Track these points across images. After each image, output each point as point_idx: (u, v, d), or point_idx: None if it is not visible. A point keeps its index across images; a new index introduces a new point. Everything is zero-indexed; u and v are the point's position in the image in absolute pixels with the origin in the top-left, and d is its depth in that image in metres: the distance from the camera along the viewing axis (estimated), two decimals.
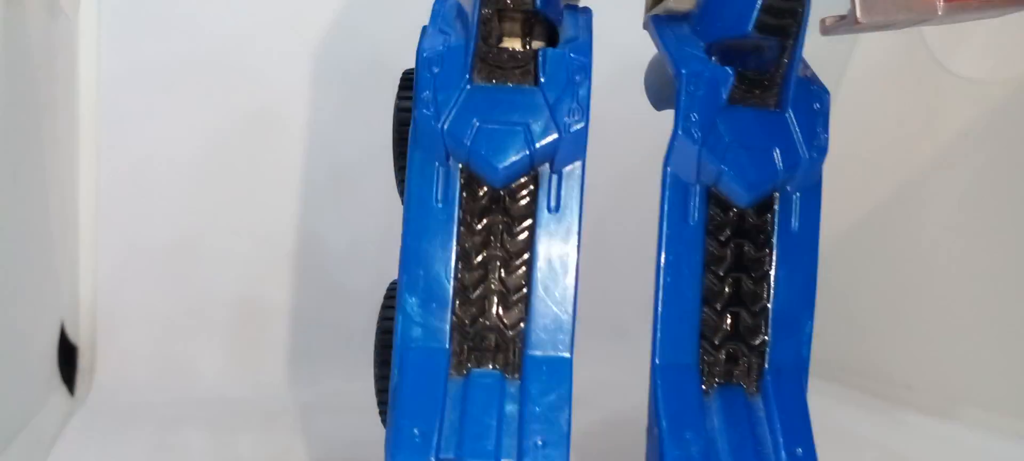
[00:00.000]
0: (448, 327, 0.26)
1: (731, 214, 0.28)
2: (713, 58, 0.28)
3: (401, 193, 0.29)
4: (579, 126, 0.26)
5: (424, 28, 0.28)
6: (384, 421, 0.28)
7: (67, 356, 0.47)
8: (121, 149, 0.49)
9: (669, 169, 0.27)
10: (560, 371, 0.26)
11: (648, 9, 0.31)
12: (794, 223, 0.28)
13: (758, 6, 0.26)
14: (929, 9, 0.27)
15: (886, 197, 0.45)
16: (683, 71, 0.27)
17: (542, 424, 0.25)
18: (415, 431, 0.25)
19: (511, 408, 0.26)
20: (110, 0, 0.49)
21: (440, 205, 0.27)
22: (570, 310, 0.27)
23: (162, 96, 0.50)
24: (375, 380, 0.28)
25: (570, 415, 0.26)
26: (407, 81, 0.28)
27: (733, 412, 0.27)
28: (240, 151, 0.51)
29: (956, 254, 0.47)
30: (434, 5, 0.29)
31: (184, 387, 0.48)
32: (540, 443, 0.25)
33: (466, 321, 0.27)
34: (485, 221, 0.27)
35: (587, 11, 0.29)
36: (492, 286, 0.27)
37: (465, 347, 0.27)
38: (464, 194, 0.27)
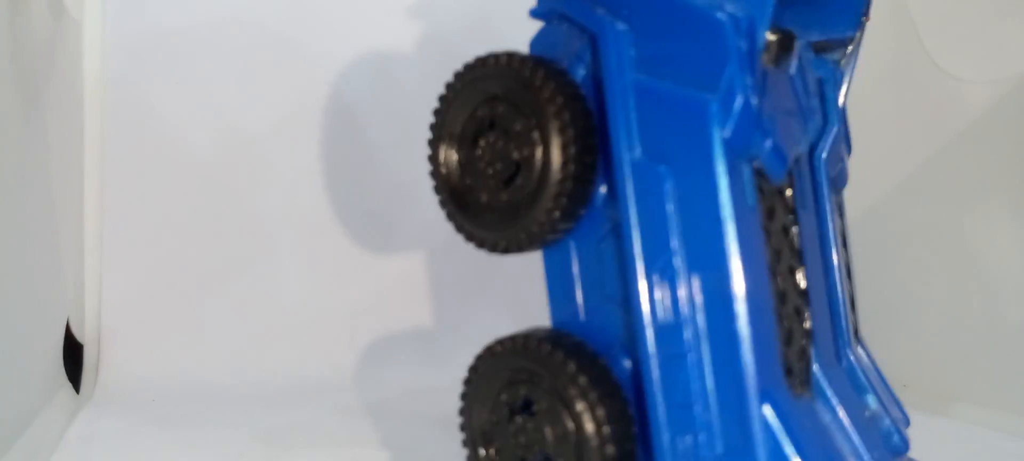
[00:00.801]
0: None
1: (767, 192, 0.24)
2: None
3: None
4: None
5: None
6: None
7: (72, 354, 0.47)
8: (126, 148, 0.49)
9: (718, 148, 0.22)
10: None
11: None
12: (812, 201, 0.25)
13: None
14: None
15: (883, 196, 0.45)
16: (720, 17, 0.22)
17: None
18: None
19: None
20: (114, 0, 0.49)
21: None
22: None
23: (166, 93, 0.50)
24: None
25: None
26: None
27: None
28: (246, 148, 0.51)
29: (952, 253, 0.47)
30: None
31: (188, 384, 0.48)
32: None
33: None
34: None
35: None
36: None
37: None
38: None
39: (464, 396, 0.25)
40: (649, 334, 0.21)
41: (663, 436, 0.21)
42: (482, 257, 0.53)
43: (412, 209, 0.54)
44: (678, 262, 0.21)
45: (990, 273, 0.45)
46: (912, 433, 0.42)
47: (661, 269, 0.21)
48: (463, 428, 0.26)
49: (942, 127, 0.48)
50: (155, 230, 0.50)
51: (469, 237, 0.26)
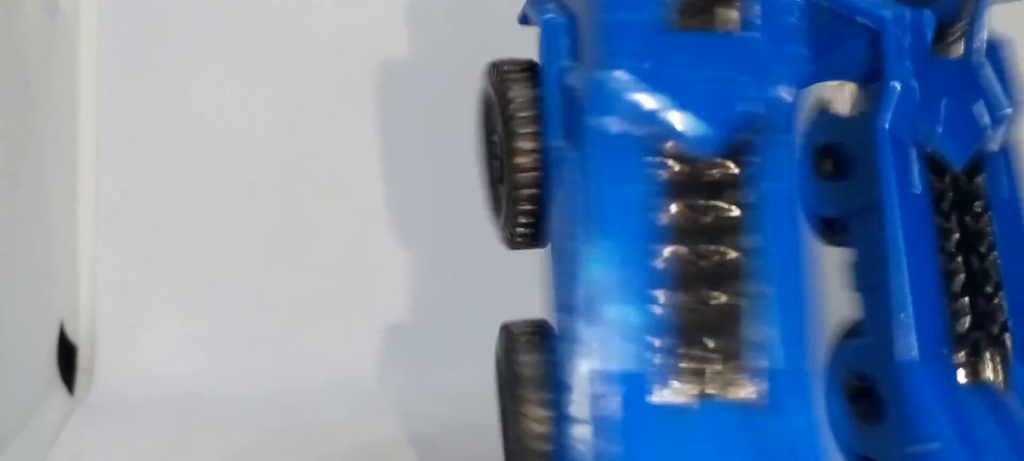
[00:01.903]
0: None
1: (946, 179, 0.24)
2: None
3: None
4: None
5: None
6: None
7: (66, 355, 0.47)
8: (120, 147, 0.49)
9: (883, 133, 0.23)
10: None
11: None
12: (1004, 189, 0.24)
13: None
14: None
15: None
16: (887, 15, 0.23)
17: None
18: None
19: None
20: None
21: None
22: None
23: (162, 93, 0.50)
24: None
25: None
26: None
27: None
28: (242, 148, 0.51)
29: None
30: None
31: (183, 386, 0.48)
32: None
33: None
34: None
35: None
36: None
37: None
38: None
39: None
40: None
41: None
42: (482, 257, 0.53)
43: (412, 209, 0.54)
44: None
45: None
46: None
47: None
48: None
49: None
50: (150, 230, 0.50)
51: (497, 230, 0.27)
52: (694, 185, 0.21)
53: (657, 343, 0.20)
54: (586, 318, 0.20)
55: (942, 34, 0.24)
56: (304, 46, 0.52)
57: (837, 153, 0.26)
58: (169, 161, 0.50)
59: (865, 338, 0.24)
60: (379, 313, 0.53)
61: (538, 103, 0.23)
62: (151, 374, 0.48)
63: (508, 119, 0.23)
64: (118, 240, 0.49)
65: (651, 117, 0.21)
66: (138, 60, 0.49)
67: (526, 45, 0.26)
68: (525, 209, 0.24)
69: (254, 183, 0.52)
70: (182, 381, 0.48)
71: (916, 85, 0.23)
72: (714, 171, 0.21)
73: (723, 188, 0.21)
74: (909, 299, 0.22)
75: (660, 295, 0.20)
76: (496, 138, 0.25)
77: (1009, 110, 0.24)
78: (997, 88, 0.24)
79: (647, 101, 0.21)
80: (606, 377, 0.20)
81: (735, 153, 0.21)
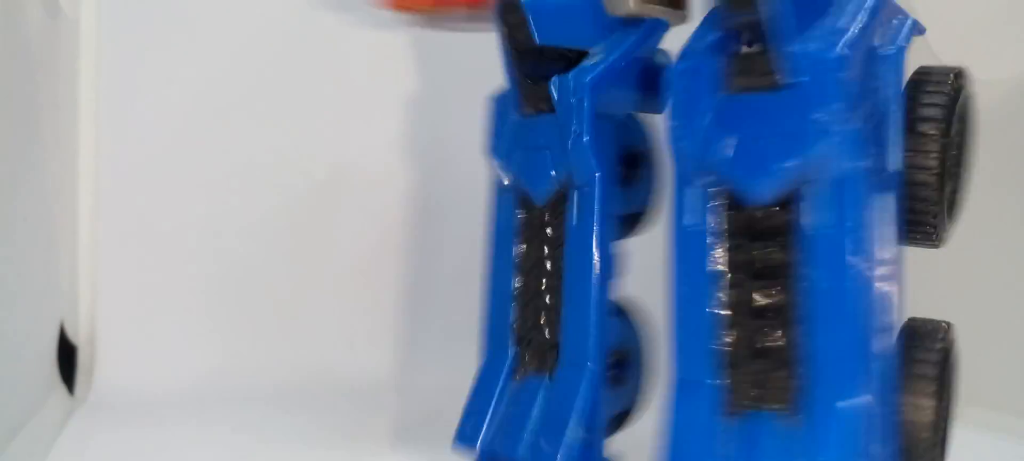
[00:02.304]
0: None
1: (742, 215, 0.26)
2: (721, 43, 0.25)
3: None
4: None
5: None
6: None
7: (66, 356, 0.47)
8: (121, 148, 0.49)
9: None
10: None
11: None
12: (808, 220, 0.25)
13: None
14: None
15: None
16: (673, 66, 0.25)
17: None
18: None
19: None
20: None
21: None
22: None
23: (162, 94, 0.50)
24: None
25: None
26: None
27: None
28: (242, 148, 0.51)
29: (956, 254, 0.47)
30: None
31: (183, 386, 0.48)
32: None
33: None
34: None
35: (651, 24, 0.29)
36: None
37: None
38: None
39: None
40: None
41: None
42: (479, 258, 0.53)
43: (411, 209, 0.54)
44: None
45: (995, 273, 0.45)
46: None
47: None
48: None
49: None
50: (150, 231, 0.50)
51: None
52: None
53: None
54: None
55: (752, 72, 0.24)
56: (305, 47, 0.52)
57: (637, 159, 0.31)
58: (169, 162, 0.50)
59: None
60: (379, 313, 0.53)
61: None
62: (151, 374, 0.48)
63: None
64: (118, 241, 0.49)
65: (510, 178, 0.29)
66: (139, 61, 0.49)
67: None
68: None
69: (254, 183, 0.52)
70: (181, 381, 0.48)
71: (688, 127, 0.25)
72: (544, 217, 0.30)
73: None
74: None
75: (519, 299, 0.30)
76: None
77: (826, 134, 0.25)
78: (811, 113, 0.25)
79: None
80: None
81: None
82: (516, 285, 0.29)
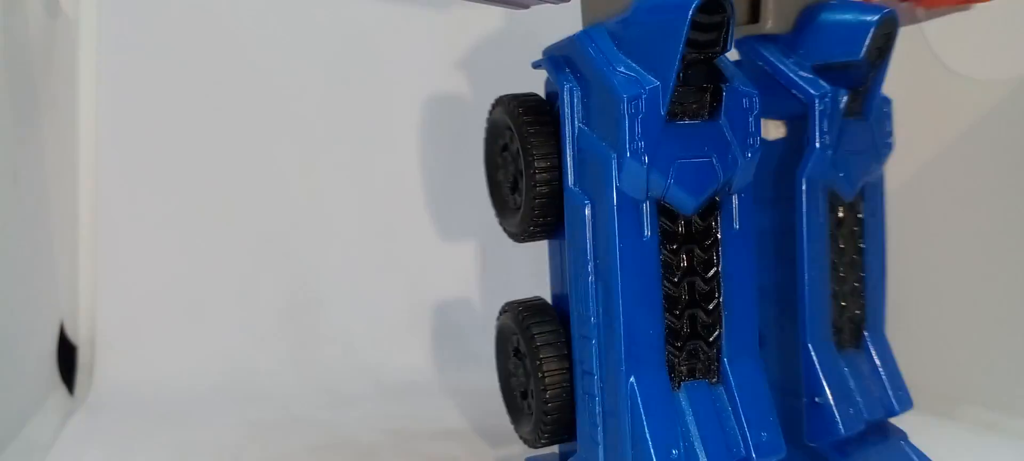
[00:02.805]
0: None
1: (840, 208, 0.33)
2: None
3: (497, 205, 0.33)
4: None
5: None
6: None
7: (66, 355, 0.47)
8: (121, 148, 0.49)
9: (805, 180, 0.31)
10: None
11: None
12: (873, 211, 0.33)
13: (870, 35, 0.30)
14: (911, 17, 0.35)
15: (888, 195, 0.45)
16: (818, 90, 0.31)
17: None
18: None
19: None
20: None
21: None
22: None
23: (162, 94, 0.50)
24: None
25: None
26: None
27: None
28: (241, 148, 0.51)
29: (957, 253, 0.48)
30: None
31: (183, 386, 0.48)
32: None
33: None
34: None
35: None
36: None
37: None
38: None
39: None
40: (573, 319, 0.29)
41: (576, 390, 0.30)
42: (481, 257, 0.53)
43: (411, 210, 0.54)
44: (590, 270, 0.28)
45: (997, 273, 0.45)
46: (917, 435, 0.42)
47: (578, 273, 0.29)
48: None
49: (949, 125, 0.48)
50: (150, 231, 0.50)
51: (503, 228, 0.33)
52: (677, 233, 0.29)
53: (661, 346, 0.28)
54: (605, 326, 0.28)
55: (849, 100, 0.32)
56: (305, 47, 0.52)
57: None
58: (169, 161, 0.50)
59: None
60: (378, 315, 0.53)
61: (552, 140, 0.30)
62: (150, 374, 0.48)
63: (528, 149, 0.30)
64: (118, 241, 0.49)
65: (653, 186, 0.28)
66: (138, 61, 0.49)
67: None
68: (539, 218, 0.30)
69: (254, 183, 0.52)
70: (181, 381, 0.48)
71: (830, 146, 0.31)
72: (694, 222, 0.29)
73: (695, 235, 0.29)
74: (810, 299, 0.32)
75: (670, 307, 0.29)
76: (510, 157, 0.31)
77: (885, 152, 0.33)
78: (878, 138, 0.33)
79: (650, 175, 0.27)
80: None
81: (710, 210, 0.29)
82: (667, 294, 0.29)
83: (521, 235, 0.31)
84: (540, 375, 0.30)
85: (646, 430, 0.27)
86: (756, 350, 0.29)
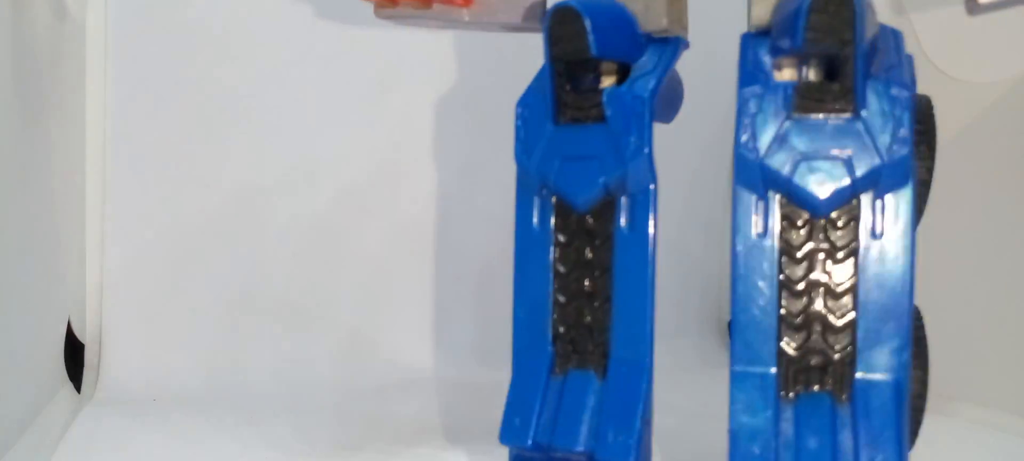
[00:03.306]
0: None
1: (801, 222, 0.29)
2: (784, 71, 0.29)
3: None
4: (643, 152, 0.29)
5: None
6: None
7: (73, 353, 0.47)
8: (128, 149, 0.49)
9: (735, 186, 0.29)
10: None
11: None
12: (879, 227, 0.29)
13: (803, 21, 0.27)
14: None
15: None
16: (742, 90, 0.29)
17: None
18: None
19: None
20: (117, 2, 0.49)
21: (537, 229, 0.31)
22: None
23: (168, 96, 0.50)
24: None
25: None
26: None
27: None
28: (249, 150, 0.52)
29: (952, 253, 0.48)
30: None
31: (190, 384, 0.48)
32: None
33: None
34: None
35: (676, 41, 0.31)
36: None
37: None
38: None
39: None
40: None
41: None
42: (480, 258, 0.53)
43: (414, 211, 0.54)
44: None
45: (993, 271, 0.46)
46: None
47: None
48: None
49: (943, 128, 0.48)
50: (157, 231, 0.50)
51: None
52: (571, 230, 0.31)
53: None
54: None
55: (825, 94, 0.28)
56: (313, 48, 0.52)
57: None
58: (175, 161, 0.50)
59: None
60: (383, 316, 0.54)
61: None
62: (157, 372, 0.48)
63: None
64: (125, 239, 0.49)
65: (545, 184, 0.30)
66: (145, 63, 0.50)
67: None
68: None
69: (260, 183, 0.52)
70: (188, 379, 0.48)
71: (756, 146, 0.28)
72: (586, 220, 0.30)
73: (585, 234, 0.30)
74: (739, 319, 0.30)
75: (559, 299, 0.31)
76: None
77: (885, 160, 0.28)
78: (878, 140, 0.28)
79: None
80: None
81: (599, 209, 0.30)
82: (554, 285, 0.30)
83: None
84: None
85: (509, 398, 0.30)
86: (644, 352, 0.29)
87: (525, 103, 0.31)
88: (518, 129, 0.31)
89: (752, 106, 0.28)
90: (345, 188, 0.53)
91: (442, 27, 0.35)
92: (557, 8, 0.29)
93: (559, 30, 0.29)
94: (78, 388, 0.47)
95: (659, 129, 0.31)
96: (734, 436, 0.27)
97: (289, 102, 0.52)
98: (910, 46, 0.46)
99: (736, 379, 0.28)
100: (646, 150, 0.29)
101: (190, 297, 0.51)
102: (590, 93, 0.30)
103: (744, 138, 0.28)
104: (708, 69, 0.39)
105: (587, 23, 0.28)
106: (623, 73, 0.31)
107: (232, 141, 0.51)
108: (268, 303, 0.52)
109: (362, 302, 0.53)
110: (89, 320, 0.49)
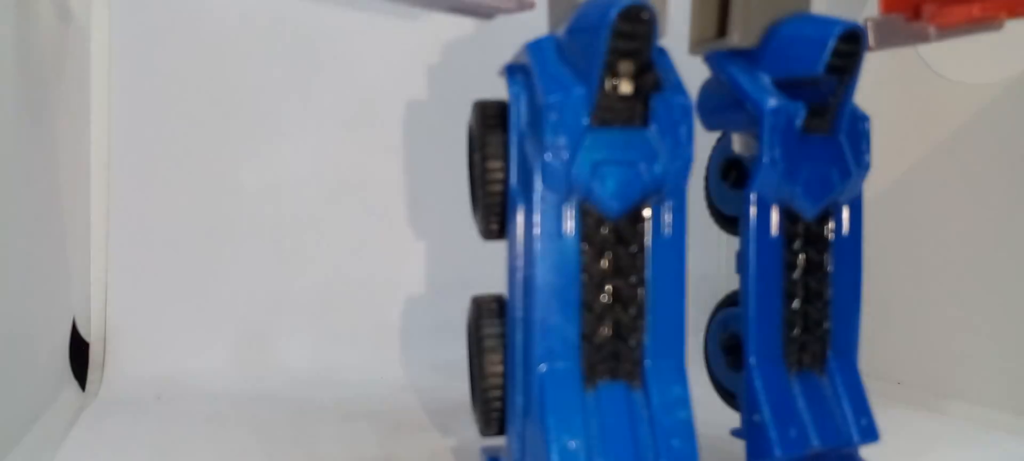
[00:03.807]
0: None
1: (799, 226, 0.32)
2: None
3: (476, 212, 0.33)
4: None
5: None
6: None
7: (78, 351, 0.47)
8: (132, 149, 0.49)
9: (753, 194, 0.31)
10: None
11: (696, 43, 0.33)
12: (845, 232, 0.33)
13: (829, 50, 0.29)
14: (922, 35, 0.34)
15: (879, 196, 0.45)
16: (768, 106, 0.30)
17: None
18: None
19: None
20: (121, 3, 0.49)
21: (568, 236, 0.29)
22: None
23: (172, 96, 0.50)
24: None
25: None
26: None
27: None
28: (251, 151, 0.52)
29: (946, 251, 0.48)
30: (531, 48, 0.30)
31: (194, 382, 0.48)
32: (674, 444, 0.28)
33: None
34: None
35: (662, 51, 0.30)
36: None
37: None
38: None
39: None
40: (507, 314, 0.30)
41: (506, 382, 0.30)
42: (478, 258, 0.53)
43: (414, 212, 0.54)
44: (518, 266, 0.29)
45: (986, 271, 0.45)
46: (907, 430, 0.42)
47: (512, 270, 0.29)
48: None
49: (938, 128, 0.48)
50: (161, 230, 0.50)
51: (476, 225, 0.33)
52: (598, 237, 0.29)
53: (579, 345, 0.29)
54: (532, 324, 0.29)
55: (815, 115, 0.31)
56: (314, 49, 0.52)
57: (738, 168, 0.34)
58: (180, 161, 0.51)
59: (738, 308, 0.33)
60: (385, 314, 0.54)
61: (506, 145, 0.30)
62: (161, 370, 0.48)
63: (484, 151, 0.30)
64: (130, 239, 0.50)
65: (577, 189, 0.28)
66: (148, 64, 0.50)
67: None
68: (494, 217, 0.31)
69: (263, 182, 0.52)
70: (192, 377, 0.48)
71: (780, 160, 0.30)
72: (618, 226, 0.29)
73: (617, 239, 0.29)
74: (754, 316, 0.31)
75: (588, 308, 0.29)
76: (475, 160, 0.32)
77: (856, 174, 0.32)
78: (849, 156, 0.32)
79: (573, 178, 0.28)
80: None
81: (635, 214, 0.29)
82: (586, 295, 0.29)
83: (484, 233, 0.32)
84: (481, 367, 0.31)
85: (547, 421, 0.27)
86: (681, 358, 0.29)
87: (555, 102, 0.28)
88: (548, 128, 0.28)
89: (553, 116, 0.28)
90: (348, 188, 0.53)
91: (427, 8, 0.34)
92: (631, 5, 0.27)
93: (626, 27, 0.27)
94: (83, 386, 0.47)
95: None
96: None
97: (292, 101, 0.52)
98: (905, 48, 0.46)
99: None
100: (691, 156, 0.29)
101: (194, 297, 0.51)
102: (627, 97, 0.29)
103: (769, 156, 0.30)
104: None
105: (656, 26, 0.28)
106: (642, 75, 0.30)
107: (235, 140, 0.51)
108: (273, 302, 0.52)
109: (373, 299, 0.53)
110: (94, 318, 0.49)
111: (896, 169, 0.49)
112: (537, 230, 0.28)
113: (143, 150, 0.50)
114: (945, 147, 0.47)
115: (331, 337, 0.52)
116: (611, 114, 0.29)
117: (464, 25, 0.53)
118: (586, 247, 0.29)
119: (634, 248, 0.29)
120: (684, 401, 0.29)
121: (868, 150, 0.32)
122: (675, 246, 0.29)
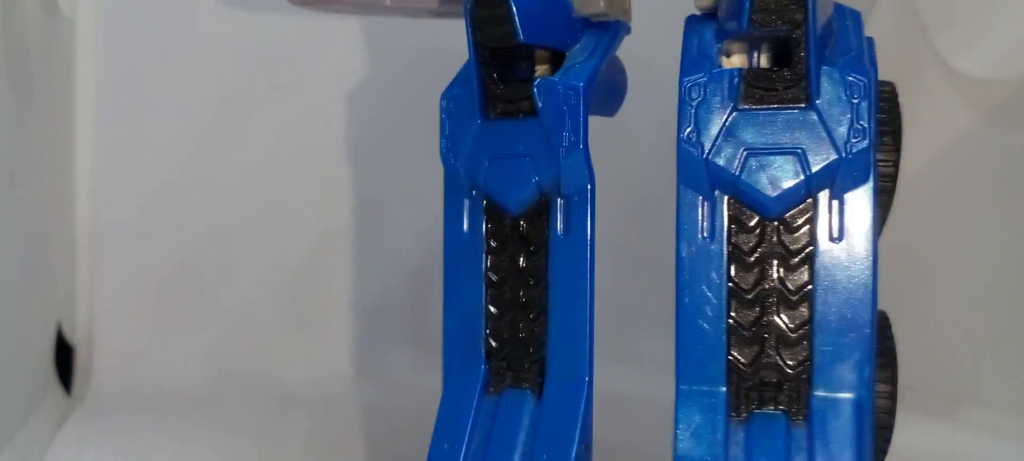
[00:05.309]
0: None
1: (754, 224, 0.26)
2: (733, 57, 0.26)
3: None
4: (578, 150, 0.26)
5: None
6: None
7: (63, 356, 0.47)
8: (118, 148, 0.49)
9: (679, 185, 0.26)
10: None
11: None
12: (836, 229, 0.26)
13: (748, 5, 0.24)
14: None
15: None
16: (684, 79, 0.25)
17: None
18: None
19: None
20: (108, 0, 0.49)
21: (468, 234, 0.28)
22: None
23: (160, 94, 0.50)
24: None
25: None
26: None
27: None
28: (240, 151, 0.52)
29: (958, 254, 0.48)
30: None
31: (181, 387, 0.48)
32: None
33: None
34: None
35: (616, 26, 0.28)
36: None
37: None
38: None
39: None
40: None
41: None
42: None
43: (407, 214, 0.54)
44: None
45: (1000, 274, 0.46)
46: (917, 437, 0.42)
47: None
48: None
49: (950, 125, 0.48)
50: (147, 232, 0.50)
51: None
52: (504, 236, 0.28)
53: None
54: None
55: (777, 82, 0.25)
56: (303, 48, 0.52)
57: None
58: (166, 162, 0.50)
59: None
60: (378, 316, 0.53)
61: None
62: (148, 374, 0.48)
63: None
64: (115, 241, 0.49)
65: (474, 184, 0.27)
66: (136, 61, 0.49)
67: None
68: None
69: (251, 185, 0.52)
70: (179, 381, 0.48)
71: (701, 141, 0.25)
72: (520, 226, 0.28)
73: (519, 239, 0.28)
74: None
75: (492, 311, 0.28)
76: None
77: (845, 155, 0.25)
78: (833, 133, 0.25)
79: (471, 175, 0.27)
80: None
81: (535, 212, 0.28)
82: (486, 297, 0.28)
83: None
84: None
85: (438, 421, 0.27)
86: (583, 369, 0.26)
87: (450, 96, 0.28)
88: (443, 125, 0.28)
89: (695, 96, 0.25)
90: (339, 190, 0.53)
91: (362, 13, 0.33)
92: None
93: (482, 13, 0.26)
94: (68, 391, 0.47)
95: (602, 123, 0.30)
96: None
97: (282, 102, 0.52)
98: (919, 42, 0.46)
99: (682, 399, 0.25)
100: (581, 146, 0.26)
101: (181, 300, 0.51)
102: (521, 84, 0.27)
103: (687, 132, 0.25)
104: (656, 57, 0.36)
105: (513, 6, 0.26)
106: (557, 62, 0.28)
107: (223, 141, 0.51)
108: (259, 305, 0.52)
109: (362, 303, 0.53)
110: (79, 323, 0.49)
111: (910, 167, 0.49)
112: (444, 225, 0.28)
113: (130, 150, 0.50)
114: (961, 145, 0.47)
115: (326, 340, 0.52)
116: (513, 106, 0.27)
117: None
118: (491, 247, 0.28)
119: (532, 248, 0.27)
120: (575, 408, 0.26)
121: (861, 125, 0.25)
122: (577, 247, 0.27)
